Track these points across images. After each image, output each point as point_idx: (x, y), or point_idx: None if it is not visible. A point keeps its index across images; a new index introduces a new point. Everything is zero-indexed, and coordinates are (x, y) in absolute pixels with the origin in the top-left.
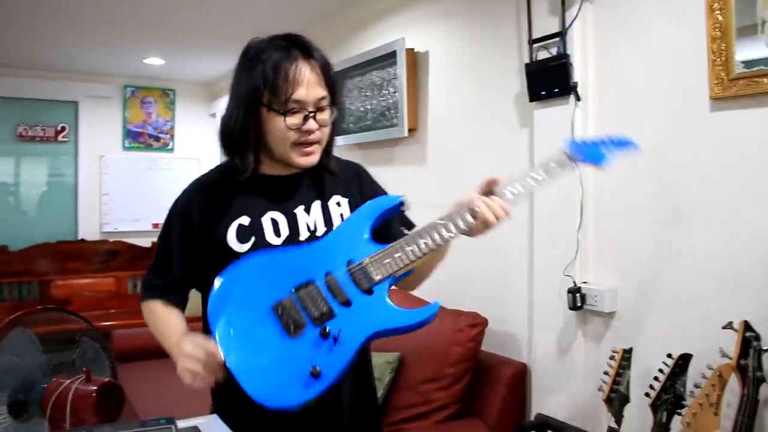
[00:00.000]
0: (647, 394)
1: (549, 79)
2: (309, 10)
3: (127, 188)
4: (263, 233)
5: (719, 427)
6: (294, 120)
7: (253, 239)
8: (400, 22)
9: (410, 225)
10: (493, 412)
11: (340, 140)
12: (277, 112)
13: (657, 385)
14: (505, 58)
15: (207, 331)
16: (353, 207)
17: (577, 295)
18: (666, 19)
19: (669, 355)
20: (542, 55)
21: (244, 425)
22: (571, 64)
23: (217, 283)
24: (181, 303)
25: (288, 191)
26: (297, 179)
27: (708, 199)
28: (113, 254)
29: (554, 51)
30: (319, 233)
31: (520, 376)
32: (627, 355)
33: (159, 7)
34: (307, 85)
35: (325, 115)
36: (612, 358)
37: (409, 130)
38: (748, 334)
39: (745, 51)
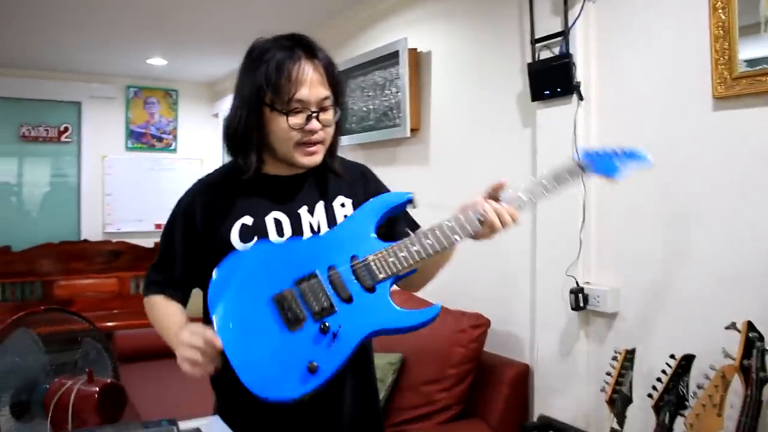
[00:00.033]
0: (650, 395)
1: (551, 79)
2: (311, 10)
3: (130, 189)
4: (266, 233)
5: (722, 429)
6: (297, 120)
7: (255, 239)
8: (402, 22)
9: (414, 225)
10: (495, 413)
11: (342, 140)
12: (280, 112)
13: (660, 386)
14: (507, 58)
15: (207, 322)
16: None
17: (580, 295)
18: (669, 18)
19: (672, 356)
20: (545, 54)
21: (247, 426)
22: (573, 64)
23: (219, 270)
24: (182, 299)
25: (291, 191)
26: (300, 179)
27: (711, 198)
28: (116, 255)
29: (557, 50)
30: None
31: (523, 377)
32: (630, 355)
33: (162, 8)
34: (310, 84)
35: (329, 115)
36: (614, 358)
37: (412, 130)
38: (751, 335)
39: (748, 50)
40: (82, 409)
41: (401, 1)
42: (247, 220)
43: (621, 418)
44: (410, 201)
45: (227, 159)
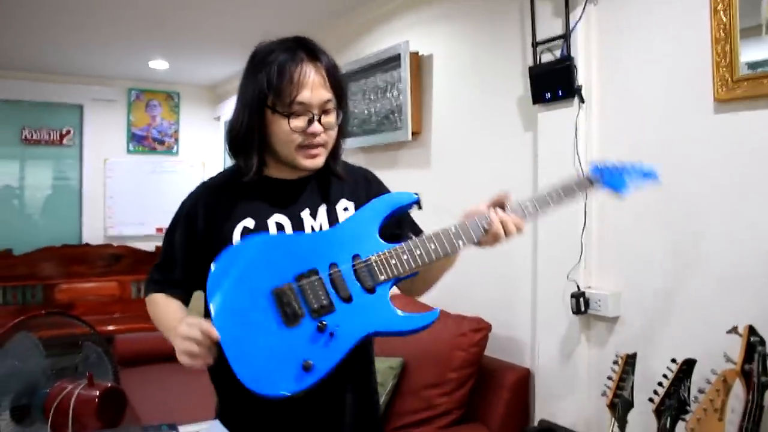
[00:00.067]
0: (651, 400)
1: (553, 82)
2: (313, 13)
3: (132, 192)
4: None
5: None
6: (298, 122)
7: None
8: (403, 25)
9: (417, 229)
10: (496, 417)
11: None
12: (282, 114)
13: (661, 391)
14: (508, 61)
15: (207, 315)
16: None
17: (581, 299)
18: (670, 21)
19: (673, 360)
20: (546, 57)
21: (248, 430)
22: (575, 67)
23: (218, 262)
24: (183, 298)
25: (293, 194)
26: (303, 183)
27: (712, 201)
28: (117, 258)
29: (558, 53)
30: None
31: (524, 381)
32: (631, 360)
33: (163, 10)
34: (312, 87)
35: (331, 118)
36: (616, 363)
37: (413, 134)
38: (752, 339)
39: (750, 52)
40: (83, 413)
41: (403, 5)
42: (249, 222)
43: (622, 423)
44: (417, 202)
45: (229, 162)
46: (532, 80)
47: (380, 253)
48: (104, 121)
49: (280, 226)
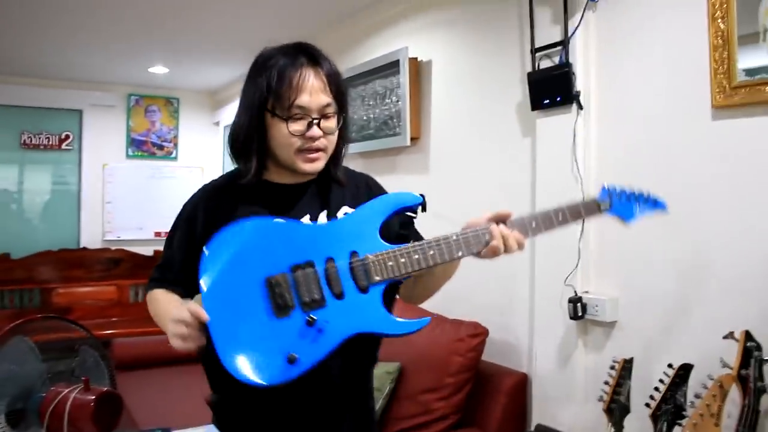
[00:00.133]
0: (648, 405)
1: (551, 88)
2: (312, 19)
3: (130, 196)
4: None
5: None
6: (297, 126)
7: None
8: (403, 31)
9: (418, 235)
10: (493, 422)
11: None
12: (281, 118)
13: (657, 396)
14: (507, 67)
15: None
16: None
17: (578, 304)
18: (668, 28)
19: (670, 365)
20: (545, 63)
21: None
22: (573, 73)
23: (211, 245)
24: (182, 296)
25: (292, 200)
26: (303, 188)
27: (710, 207)
28: (115, 262)
29: (557, 60)
30: None
31: (521, 386)
32: (628, 365)
33: (164, 16)
34: (311, 91)
35: (331, 123)
36: (612, 368)
37: (412, 139)
38: (749, 344)
39: (747, 59)
40: (78, 417)
41: (402, 11)
42: None
43: (619, 428)
44: (421, 204)
45: (228, 167)
46: (531, 86)
47: (378, 253)
48: (103, 126)
49: None
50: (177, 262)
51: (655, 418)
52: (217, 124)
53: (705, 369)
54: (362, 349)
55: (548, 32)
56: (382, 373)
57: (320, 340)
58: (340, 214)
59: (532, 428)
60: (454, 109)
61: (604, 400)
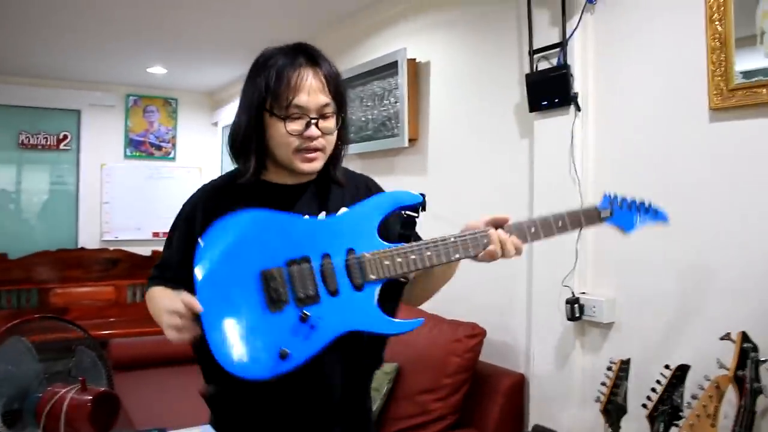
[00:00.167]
0: (645, 405)
1: (549, 90)
2: (311, 20)
3: (128, 197)
4: None
5: None
6: (295, 126)
7: None
8: (401, 32)
9: (416, 236)
10: (490, 423)
11: None
12: (279, 117)
13: (654, 396)
14: (505, 69)
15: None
16: None
17: (576, 305)
18: (666, 30)
19: (667, 366)
20: (543, 65)
21: None
22: (571, 75)
23: (212, 229)
24: None
25: (291, 200)
26: (301, 189)
27: (707, 209)
28: (113, 263)
29: (555, 61)
30: None
31: (518, 386)
32: (625, 365)
33: (162, 17)
34: (309, 91)
35: (329, 123)
36: (610, 368)
37: (410, 140)
38: (745, 345)
39: (745, 62)
40: (75, 417)
41: (400, 12)
42: None
43: (615, 429)
44: (421, 204)
45: (226, 168)
46: (529, 88)
47: (375, 251)
48: (102, 127)
49: None
50: (176, 261)
51: (652, 418)
52: (216, 124)
53: (702, 370)
54: (368, 350)
55: (546, 34)
56: (380, 374)
57: (313, 336)
58: None
59: (530, 429)
60: (452, 111)
61: (602, 401)
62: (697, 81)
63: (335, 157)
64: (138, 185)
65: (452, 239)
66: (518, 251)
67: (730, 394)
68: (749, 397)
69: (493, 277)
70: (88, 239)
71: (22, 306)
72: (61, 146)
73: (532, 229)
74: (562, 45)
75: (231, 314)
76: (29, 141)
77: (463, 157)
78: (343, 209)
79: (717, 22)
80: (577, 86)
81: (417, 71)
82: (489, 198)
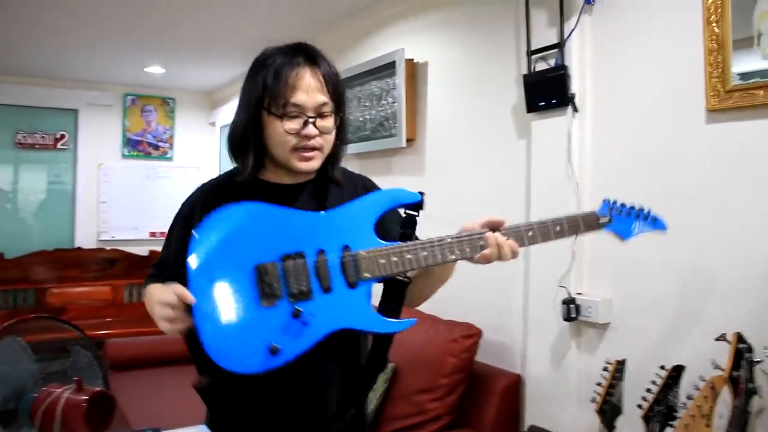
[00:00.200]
0: (640, 406)
1: (547, 90)
2: (309, 20)
3: (126, 196)
4: None
5: None
6: (293, 124)
7: None
8: (399, 32)
9: (412, 232)
10: (486, 423)
11: None
12: (276, 116)
13: (650, 397)
14: (503, 69)
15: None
16: None
17: (572, 306)
18: (663, 31)
19: (662, 367)
20: (540, 66)
21: None
22: (569, 76)
23: (207, 221)
24: None
25: (289, 199)
26: (299, 188)
27: (703, 210)
28: (110, 262)
29: (552, 62)
30: None
31: (514, 387)
32: (620, 366)
33: (160, 16)
34: (307, 89)
35: (327, 123)
36: (605, 369)
37: (408, 140)
38: (740, 346)
39: (742, 63)
40: (71, 417)
41: (398, 12)
42: None
43: (611, 429)
44: (420, 203)
45: (223, 168)
46: (526, 88)
47: (370, 249)
48: (99, 126)
49: None
50: (174, 260)
51: (647, 419)
52: (213, 124)
53: (697, 370)
54: (374, 352)
55: (544, 34)
56: None
57: (304, 332)
58: None
59: (525, 429)
60: (450, 111)
61: (597, 402)
62: (694, 82)
63: (334, 157)
64: (135, 185)
65: (448, 240)
66: (514, 254)
67: (725, 395)
68: (744, 397)
69: (489, 277)
70: (85, 239)
71: (18, 306)
72: (59, 146)
73: (530, 233)
74: (560, 46)
75: (223, 307)
76: (26, 140)
77: (461, 158)
78: None
79: (714, 24)
80: (575, 87)
81: (415, 71)
82: (486, 198)
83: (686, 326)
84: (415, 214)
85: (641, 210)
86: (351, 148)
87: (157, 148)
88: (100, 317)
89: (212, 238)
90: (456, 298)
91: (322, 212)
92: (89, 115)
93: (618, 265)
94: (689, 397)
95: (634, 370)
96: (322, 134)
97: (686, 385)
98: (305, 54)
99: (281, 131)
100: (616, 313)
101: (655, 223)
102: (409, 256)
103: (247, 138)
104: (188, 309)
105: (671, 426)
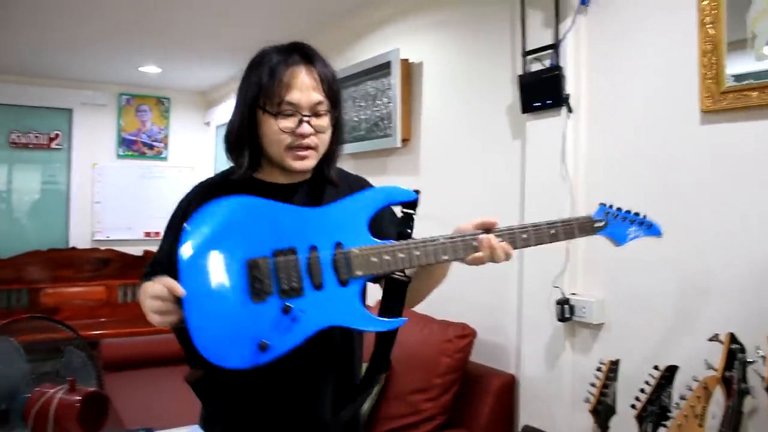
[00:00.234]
0: (633, 406)
1: (542, 91)
2: (304, 20)
3: (120, 196)
4: None
5: None
6: (287, 123)
7: None
8: (394, 32)
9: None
10: (480, 423)
11: None
12: (271, 114)
13: (643, 397)
14: (498, 70)
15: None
16: None
17: (566, 306)
18: (658, 32)
19: (655, 367)
20: (535, 66)
21: None
22: (563, 76)
23: (198, 214)
24: None
25: (284, 199)
26: (295, 188)
27: (697, 211)
28: (104, 262)
29: (547, 63)
30: None
31: (508, 387)
32: (614, 366)
33: (155, 16)
34: (302, 88)
35: (322, 122)
36: (599, 369)
37: (403, 141)
38: (733, 346)
39: (736, 65)
40: (64, 418)
41: (394, 13)
42: None
43: (604, 429)
44: (415, 201)
45: (218, 167)
46: (522, 89)
47: (363, 247)
48: (94, 126)
49: None
50: (169, 258)
51: (640, 419)
52: (208, 124)
53: (690, 371)
54: (377, 352)
55: (539, 35)
56: None
57: (293, 329)
58: None
59: (519, 429)
60: (445, 111)
61: (591, 402)
62: (688, 83)
63: (329, 157)
64: (130, 185)
65: (441, 240)
66: (507, 257)
67: (718, 395)
68: (737, 397)
69: (483, 277)
70: (80, 239)
71: (12, 306)
72: (53, 145)
73: (524, 236)
74: (555, 46)
75: (213, 301)
76: (20, 140)
77: (456, 158)
78: None
79: (709, 26)
80: (570, 88)
81: (410, 72)
82: (481, 198)
83: (680, 326)
84: (413, 212)
85: (637, 215)
86: (346, 148)
87: (151, 147)
88: (94, 317)
89: (203, 231)
90: (450, 298)
91: (316, 208)
92: (84, 115)
93: (612, 266)
94: (682, 397)
95: (627, 370)
96: (317, 133)
97: (679, 385)
98: (301, 53)
99: (276, 129)
100: (610, 314)
101: (651, 229)
102: (401, 255)
103: (242, 137)
104: (178, 301)
105: (664, 426)
